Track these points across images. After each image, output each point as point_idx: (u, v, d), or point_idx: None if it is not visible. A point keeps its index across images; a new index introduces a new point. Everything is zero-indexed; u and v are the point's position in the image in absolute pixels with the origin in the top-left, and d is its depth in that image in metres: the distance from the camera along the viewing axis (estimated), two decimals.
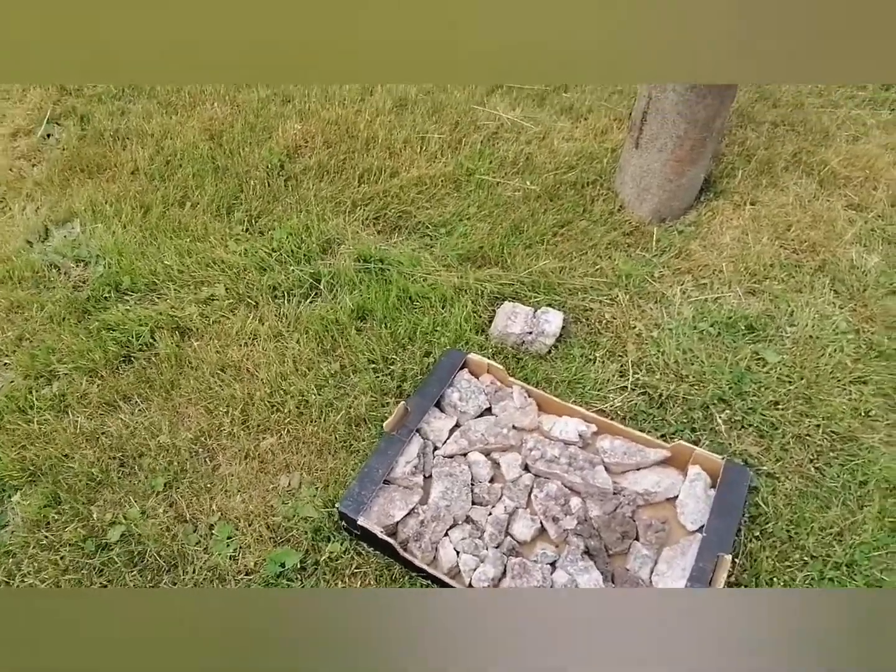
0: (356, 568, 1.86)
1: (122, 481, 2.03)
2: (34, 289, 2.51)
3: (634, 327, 2.39)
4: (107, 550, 1.89)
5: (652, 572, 1.83)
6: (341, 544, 1.90)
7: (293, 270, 2.50)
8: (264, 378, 2.23)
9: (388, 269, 2.52)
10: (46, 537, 1.91)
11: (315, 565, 1.87)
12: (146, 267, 2.51)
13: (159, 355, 2.28)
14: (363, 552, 1.89)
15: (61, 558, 1.87)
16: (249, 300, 2.44)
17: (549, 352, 2.35)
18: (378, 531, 1.80)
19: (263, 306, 2.41)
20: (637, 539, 1.90)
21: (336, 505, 1.88)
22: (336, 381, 2.23)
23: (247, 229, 2.69)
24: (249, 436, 2.12)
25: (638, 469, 2.03)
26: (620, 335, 2.38)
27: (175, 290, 2.46)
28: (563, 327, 2.39)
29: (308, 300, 2.46)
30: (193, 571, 1.86)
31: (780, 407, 2.16)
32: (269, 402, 2.18)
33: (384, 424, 1.97)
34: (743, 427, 2.14)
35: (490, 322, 2.41)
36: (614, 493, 1.97)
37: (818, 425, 2.10)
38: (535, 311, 2.38)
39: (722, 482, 1.89)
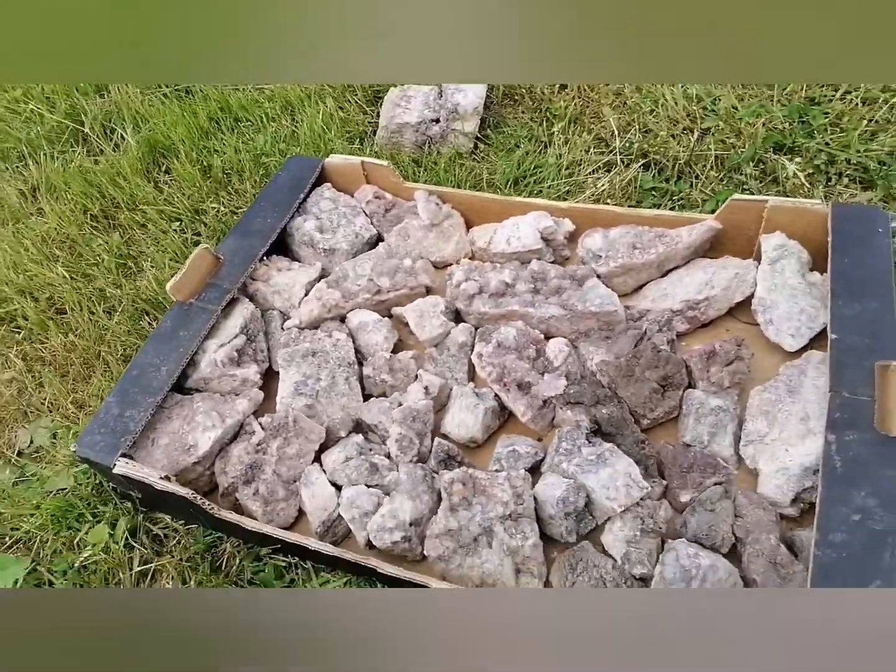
0: (145, 563, 0.91)
1: None
2: None
3: (608, 84, 1.44)
4: None
5: (738, 442, 0.88)
6: (115, 525, 0.95)
7: (44, 119, 1.53)
8: None
9: (197, 89, 1.56)
10: None
11: (62, 573, 0.92)
12: None
13: None
14: (164, 530, 0.95)
15: None
16: None
17: (476, 147, 1.39)
18: (155, 478, 0.84)
19: None
20: (692, 386, 0.94)
21: (73, 446, 0.92)
22: (113, 258, 1.27)
23: None
24: None
25: (665, 273, 1.08)
26: (588, 98, 1.43)
27: None
28: (489, 105, 1.44)
29: (67, 155, 1.49)
30: None
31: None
32: None
33: (168, 286, 1.01)
34: (832, 176, 1.19)
35: (374, 131, 1.45)
36: (630, 321, 1.02)
37: None
38: (440, 88, 1.43)
39: (838, 239, 0.94)
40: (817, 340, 0.94)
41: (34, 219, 1.37)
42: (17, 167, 1.47)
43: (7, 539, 0.97)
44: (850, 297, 0.87)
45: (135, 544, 0.93)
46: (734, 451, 0.88)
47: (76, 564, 0.92)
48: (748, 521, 0.79)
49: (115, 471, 0.86)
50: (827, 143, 1.22)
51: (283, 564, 0.89)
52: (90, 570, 0.92)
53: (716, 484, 0.83)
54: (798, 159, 1.22)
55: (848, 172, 1.18)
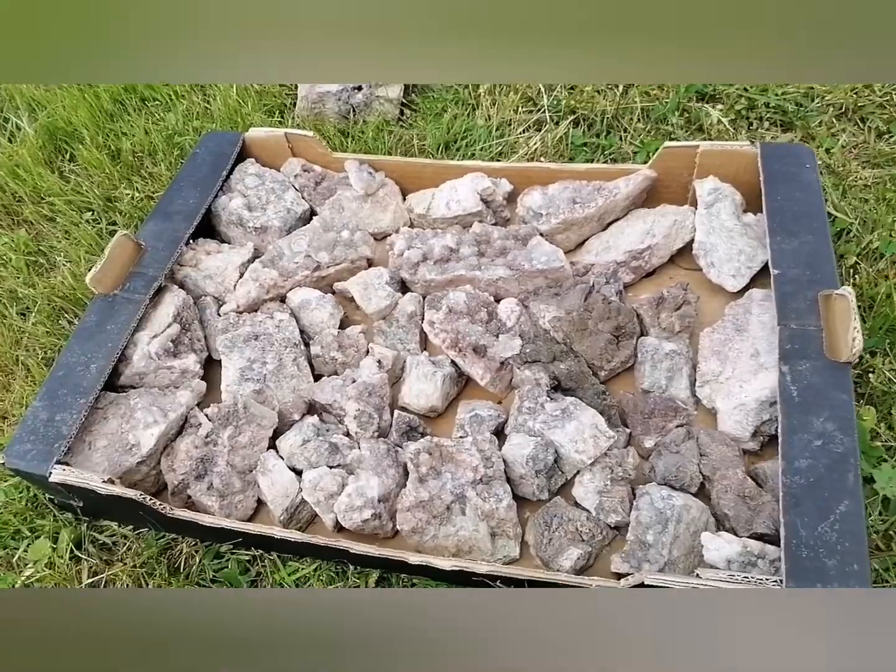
0: (95, 574, 0.85)
1: None
2: None
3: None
4: None
5: (694, 384, 0.89)
6: (56, 538, 0.88)
7: None
8: None
9: None
10: None
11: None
12: None
13: None
14: (112, 538, 0.88)
15: None
16: None
17: (402, 113, 1.35)
18: (98, 482, 0.78)
19: None
20: (644, 333, 0.95)
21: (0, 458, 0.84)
22: (22, 256, 1.17)
23: None
24: None
25: (606, 226, 1.08)
26: None
27: None
28: None
29: None
30: None
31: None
32: None
33: (87, 279, 0.94)
34: (754, 121, 1.22)
35: (294, 103, 1.39)
36: (577, 276, 1.02)
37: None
38: None
39: (769, 177, 0.96)
40: (757, 279, 0.96)
41: None
42: None
43: None
44: (786, 232, 0.89)
45: (81, 556, 0.86)
46: (691, 393, 0.89)
47: (18, 584, 0.84)
48: (713, 459, 0.80)
49: (51, 479, 0.79)
50: (746, 89, 1.25)
51: (247, 558, 0.85)
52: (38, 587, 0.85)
53: (678, 426, 0.84)
54: (720, 106, 1.24)
55: (768, 116, 1.22)
